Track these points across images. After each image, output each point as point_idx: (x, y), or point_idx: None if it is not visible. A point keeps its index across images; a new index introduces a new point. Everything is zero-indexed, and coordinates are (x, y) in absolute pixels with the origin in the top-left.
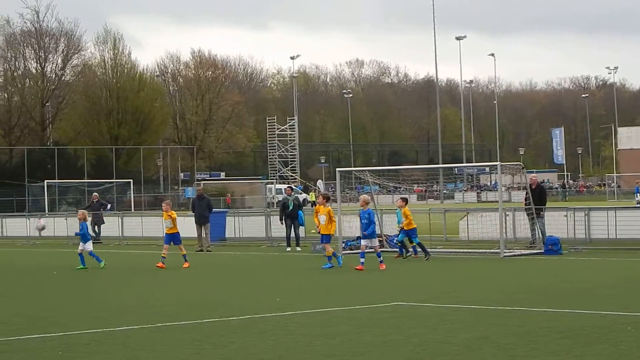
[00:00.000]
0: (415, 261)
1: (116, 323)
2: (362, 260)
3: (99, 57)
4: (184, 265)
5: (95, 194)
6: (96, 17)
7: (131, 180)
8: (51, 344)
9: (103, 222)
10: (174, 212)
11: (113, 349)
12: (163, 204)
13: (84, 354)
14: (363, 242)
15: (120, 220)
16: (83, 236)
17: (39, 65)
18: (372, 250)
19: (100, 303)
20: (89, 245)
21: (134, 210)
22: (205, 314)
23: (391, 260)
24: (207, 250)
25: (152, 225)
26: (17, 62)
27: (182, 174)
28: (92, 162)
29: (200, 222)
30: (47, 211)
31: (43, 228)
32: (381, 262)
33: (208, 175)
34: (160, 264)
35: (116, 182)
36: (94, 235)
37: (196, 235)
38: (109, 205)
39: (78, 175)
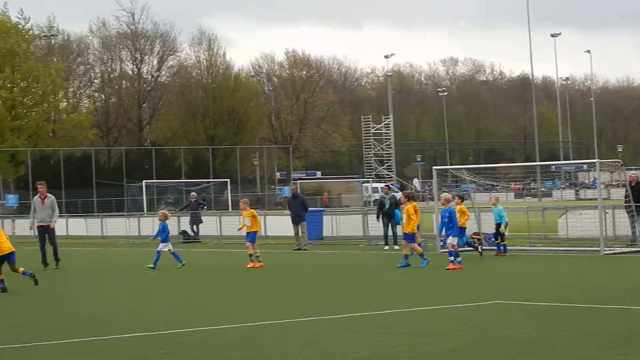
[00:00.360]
0: (512, 259)
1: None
2: (450, 259)
3: (194, 58)
4: (247, 266)
5: (193, 193)
6: (191, 19)
7: (228, 179)
8: (155, 341)
9: (201, 222)
10: (252, 210)
11: (209, 347)
12: (241, 203)
13: (193, 352)
14: (449, 240)
15: (218, 219)
16: (165, 236)
17: (135, 66)
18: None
19: (184, 304)
20: (169, 246)
21: (232, 209)
22: (303, 313)
23: (490, 258)
24: (304, 249)
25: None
26: (113, 64)
27: (278, 174)
28: (189, 162)
29: (295, 221)
30: (145, 211)
31: None
32: (452, 262)
33: (304, 175)
34: (253, 264)
35: (213, 181)
36: (193, 234)
37: (293, 234)
38: (206, 206)
39: (175, 175)
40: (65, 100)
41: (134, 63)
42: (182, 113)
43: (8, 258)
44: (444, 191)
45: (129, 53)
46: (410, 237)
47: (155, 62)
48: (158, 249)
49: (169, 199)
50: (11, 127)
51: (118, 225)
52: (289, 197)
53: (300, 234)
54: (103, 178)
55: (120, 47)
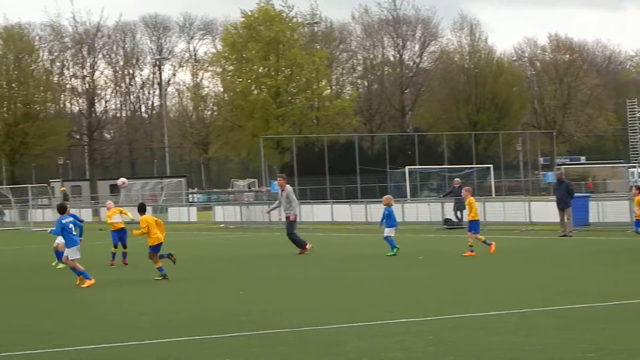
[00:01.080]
0: None
1: (486, 307)
2: None
3: (455, 43)
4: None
5: (456, 179)
6: (452, 4)
7: (491, 165)
8: (421, 327)
9: (465, 208)
10: (472, 198)
11: (483, 333)
12: (463, 191)
13: (454, 338)
14: None
15: (482, 205)
16: (391, 222)
17: (397, 52)
18: None
19: (477, 287)
20: (393, 232)
21: (495, 195)
22: (575, 300)
23: None
24: (569, 235)
25: (513, 211)
26: (375, 50)
27: (541, 159)
28: (452, 147)
29: (560, 206)
30: (409, 197)
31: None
32: None
33: (568, 160)
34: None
35: (476, 167)
36: (457, 220)
37: (558, 220)
38: None
39: (438, 161)
40: (328, 87)
41: (396, 49)
42: (445, 98)
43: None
44: None
45: (390, 39)
46: None
47: (417, 47)
48: (385, 235)
49: (431, 185)
50: (276, 114)
51: (382, 212)
52: (554, 183)
53: (565, 220)
54: (366, 164)
55: (382, 33)
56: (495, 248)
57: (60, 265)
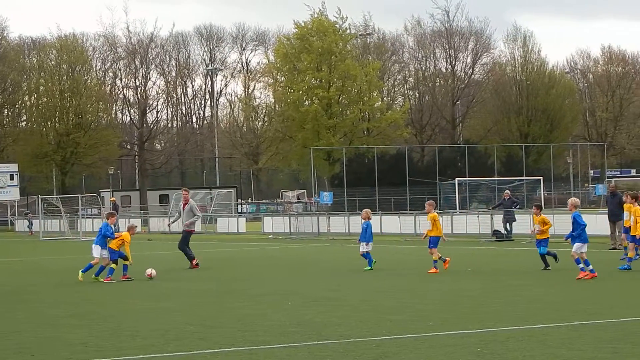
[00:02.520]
0: None
1: (534, 320)
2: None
3: (508, 55)
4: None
5: (507, 191)
6: (505, 15)
7: (541, 177)
8: (469, 340)
9: (514, 220)
10: (435, 214)
11: (531, 346)
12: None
13: (502, 350)
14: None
15: (531, 217)
16: (368, 237)
17: (449, 64)
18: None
19: (526, 300)
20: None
21: (544, 207)
22: (623, 313)
23: None
24: (619, 248)
25: (563, 223)
26: (427, 62)
27: (592, 171)
28: (502, 159)
29: (612, 219)
30: (457, 209)
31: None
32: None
33: (619, 172)
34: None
35: (526, 179)
36: (506, 232)
37: (609, 233)
38: (519, 204)
39: (488, 173)
40: (380, 98)
41: (448, 61)
42: (496, 110)
43: None
44: None
45: (443, 51)
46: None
47: (469, 59)
48: (364, 251)
49: (480, 196)
50: (327, 125)
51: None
52: (607, 195)
53: (616, 233)
54: (416, 175)
55: (435, 45)
56: (448, 265)
57: (101, 279)
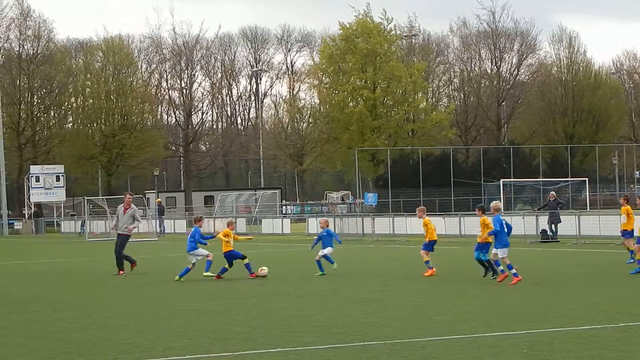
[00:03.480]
0: None
1: (580, 322)
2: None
3: (554, 55)
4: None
5: (552, 192)
6: (551, 16)
7: (586, 178)
8: (514, 341)
9: (559, 221)
10: (427, 219)
11: (577, 347)
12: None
13: (548, 352)
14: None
15: (577, 219)
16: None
17: (494, 65)
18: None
19: (571, 301)
20: (327, 250)
21: (590, 209)
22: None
23: None
24: None
25: (609, 224)
26: (472, 63)
27: (637, 172)
28: (547, 160)
29: None
30: (502, 210)
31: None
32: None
33: None
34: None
35: (571, 180)
36: (551, 234)
37: None
38: (564, 205)
39: (533, 174)
40: (425, 99)
41: (494, 61)
42: (541, 111)
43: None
44: None
45: (488, 51)
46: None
47: (514, 60)
48: (325, 253)
49: (525, 198)
50: (372, 126)
51: (475, 224)
52: None
53: None
54: (460, 177)
55: (480, 45)
56: (434, 273)
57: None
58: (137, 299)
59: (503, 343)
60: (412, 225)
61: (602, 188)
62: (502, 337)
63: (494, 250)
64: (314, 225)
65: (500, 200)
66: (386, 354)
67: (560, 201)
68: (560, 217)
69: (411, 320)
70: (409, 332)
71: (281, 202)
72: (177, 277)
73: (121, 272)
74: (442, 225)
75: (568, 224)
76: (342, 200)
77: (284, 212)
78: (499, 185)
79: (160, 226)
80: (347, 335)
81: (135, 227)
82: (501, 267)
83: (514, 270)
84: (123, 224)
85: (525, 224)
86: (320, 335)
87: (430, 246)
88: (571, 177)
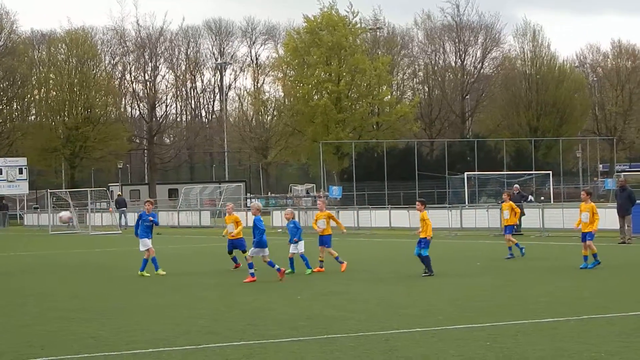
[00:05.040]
0: None
1: (543, 314)
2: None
3: (518, 49)
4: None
5: (516, 185)
6: (514, 10)
7: (550, 172)
8: (478, 334)
9: (524, 214)
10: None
11: (541, 340)
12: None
13: (512, 344)
14: None
15: (540, 212)
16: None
17: (458, 58)
18: None
19: (535, 294)
20: (300, 247)
21: (553, 202)
22: (632, 307)
23: None
24: (628, 242)
25: (571, 217)
26: (437, 56)
27: (601, 166)
28: (511, 154)
29: (621, 213)
30: (467, 203)
31: (67, 221)
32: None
33: (627, 167)
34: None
35: (535, 173)
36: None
37: (618, 227)
38: (530, 197)
39: (497, 167)
40: (389, 92)
41: (458, 55)
42: (505, 104)
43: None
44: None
45: (453, 45)
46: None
47: (479, 53)
48: (300, 252)
49: (489, 191)
50: (336, 119)
51: (440, 218)
52: (616, 190)
53: (625, 227)
54: (425, 170)
55: (445, 39)
56: (345, 269)
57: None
58: (102, 293)
59: (467, 335)
60: (377, 218)
61: (566, 181)
62: (466, 330)
63: (254, 250)
64: (278, 218)
65: (465, 193)
66: (350, 347)
67: (524, 194)
68: (524, 209)
69: (376, 313)
70: (373, 325)
71: (246, 195)
72: (139, 271)
73: None
74: (407, 218)
75: (532, 217)
76: (307, 193)
77: (248, 205)
78: (463, 178)
79: (121, 219)
80: (312, 329)
81: None
82: (252, 270)
83: (252, 271)
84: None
85: (489, 217)
86: (284, 328)
87: (327, 241)
88: (535, 170)
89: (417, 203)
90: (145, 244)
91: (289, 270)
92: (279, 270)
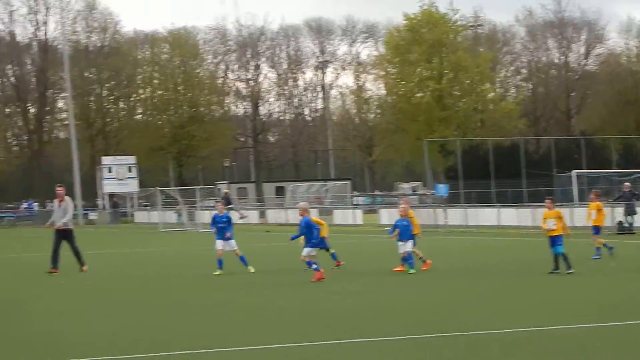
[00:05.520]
0: None
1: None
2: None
3: (622, 46)
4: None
5: (626, 183)
6: (616, 7)
7: None
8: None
9: (635, 213)
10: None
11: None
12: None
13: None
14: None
15: None
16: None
17: (561, 55)
18: None
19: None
20: (409, 246)
21: None
22: None
23: None
24: None
25: None
26: (539, 53)
27: None
28: (620, 151)
29: None
30: (576, 201)
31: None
32: None
33: None
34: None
35: None
36: (627, 225)
37: None
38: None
39: (605, 165)
40: (493, 90)
41: (561, 51)
42: (611, 101)
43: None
44: None
45: (555, 41)
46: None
47: (582, 50)
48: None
49: (599, 189)
50: (440, 117)
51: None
52: None
53: None
54: (531, 167)
55: (547, 35)
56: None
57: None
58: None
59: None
60: (485, 216)
61: None
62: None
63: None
64: (385, 216)
65: (574, 192)
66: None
67: (635, 192)
68: (636, 208)
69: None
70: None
71: (351, 193)
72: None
73: (54, 270)
74: (515, 216)
75: None
76: (413, 191)
77: (354, 203)
78: (572, 176)
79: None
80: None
81: (67, 222)
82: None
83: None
84: (59, 219)
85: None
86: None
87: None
88: None
89: (546, 201)
90: (219, 245)
91: (408, 268)
92: (317, 269)
